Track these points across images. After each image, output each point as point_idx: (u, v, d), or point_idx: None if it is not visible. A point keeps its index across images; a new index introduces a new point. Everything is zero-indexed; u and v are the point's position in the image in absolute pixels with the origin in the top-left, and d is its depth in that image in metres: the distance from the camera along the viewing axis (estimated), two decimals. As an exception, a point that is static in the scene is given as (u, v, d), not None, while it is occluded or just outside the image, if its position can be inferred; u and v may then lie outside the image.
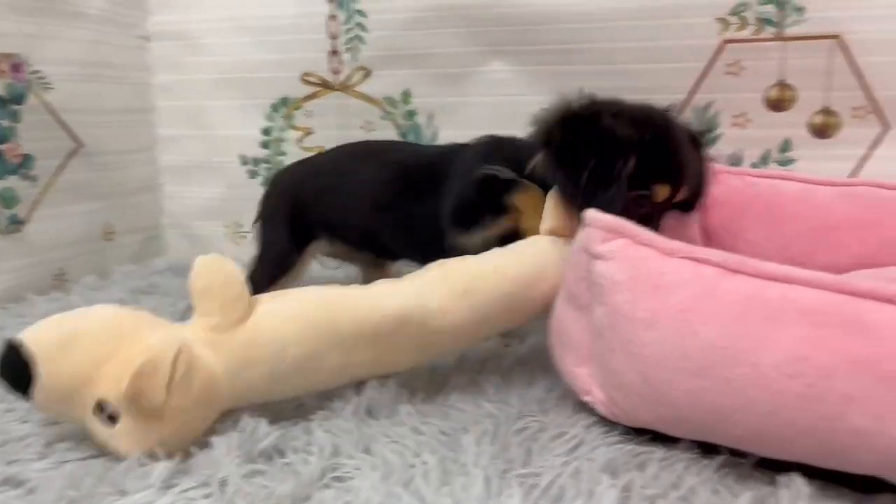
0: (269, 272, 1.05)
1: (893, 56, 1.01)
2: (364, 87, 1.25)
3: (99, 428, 0.59)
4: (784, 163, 1.09)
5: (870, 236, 0.95)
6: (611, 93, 1.10)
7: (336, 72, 1.26)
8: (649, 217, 0.72)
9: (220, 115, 1.34)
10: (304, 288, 0.72)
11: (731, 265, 0.56)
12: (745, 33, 1.06)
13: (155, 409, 0.56)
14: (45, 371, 0.57)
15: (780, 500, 0.52)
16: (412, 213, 0.93)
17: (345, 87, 1.26)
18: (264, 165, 1.34)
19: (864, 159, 1.06)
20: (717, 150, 1.11)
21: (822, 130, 1.07)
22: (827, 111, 1.06)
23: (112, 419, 0.58)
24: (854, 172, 1.07)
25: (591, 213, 0.64)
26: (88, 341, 0.59)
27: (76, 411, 0.59)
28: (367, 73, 1.24)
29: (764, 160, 1.10)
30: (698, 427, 0.57)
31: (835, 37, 1.03)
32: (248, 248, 1.35)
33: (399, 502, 0.54)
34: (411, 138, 1.25)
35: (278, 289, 1.00)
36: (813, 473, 0.54)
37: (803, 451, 0.53)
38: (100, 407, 0.58)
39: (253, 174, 1.35)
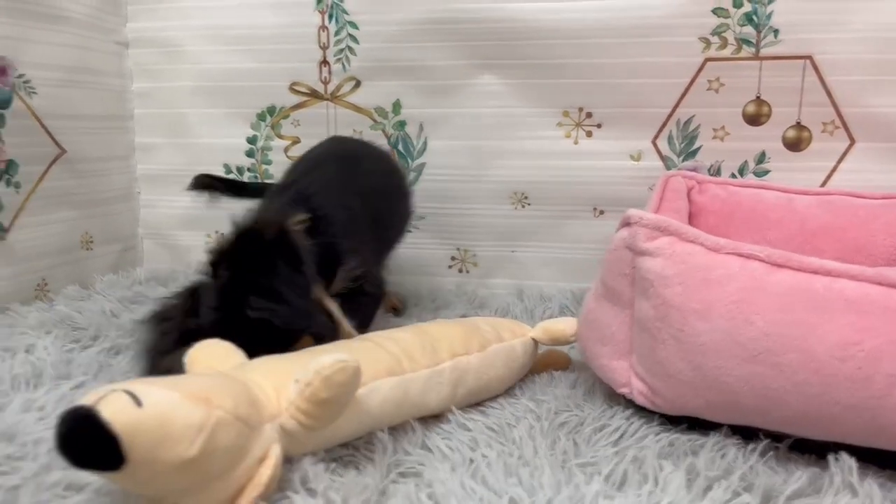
0: None
1: (859, 76, 1.09)
2: (354, 98, 1.26)
3: None
4: (760, 174, 1.16)
5: (845, 241, 1.03)
6: (598, 106, 1.17)
7: (325, 81, 1.27)
8: None
9: (203, 123, 1.32)
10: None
11: (776, 260, 0.60)
12: (726, 52, 1.13)
13: None
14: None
15: (834, 476, 0.56)
16: None
17: (334, 97, 1.27)
18: (249, 174, 1.33)
19: (833, 171, 1.14)
20: (699, 161, 1.18)
21: (795, 144, 1.15)
22: (799, 126, 1.14)
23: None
24: (824, 183, 1.14)
25: (635, 212, 0.67)
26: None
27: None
28: (357, 84, 1.26)
29: (741, 171, 1.17)
30: (749, 411, 0.61)
31: (807, 57, 1.11)
32: None
33: (474, 493, 0.56)
34: (401, 148, 1.26)
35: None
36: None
37: (850, 430, 0.57)
38: None
39: (237, 183, 1.34)
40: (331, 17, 1.23)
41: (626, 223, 0.68)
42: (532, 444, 0.64)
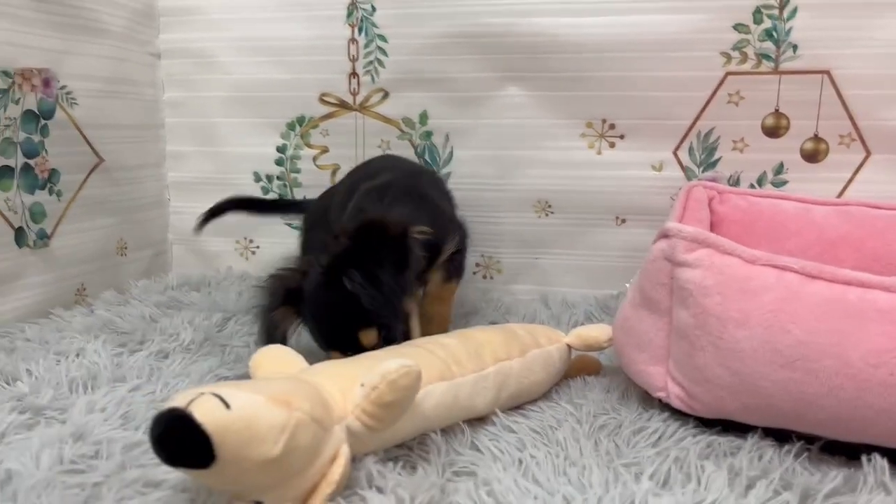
0: None
1: (875, 90, 1.13)
2: (382, 108, 1.30)
3: None
4: (778, 184, 1.20)
5: (864, 250, 1.06)
6: (621, 118, 1.20)
7: (354, 93, 1.30)
8: None
9: (233, 132, 1.36)
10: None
11: (810, 272, 0.64)
12: (746, 67, 1.16)
13: None
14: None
15: (867, 476, 0.60)
16: None
17: (363, 108, 1.30)
18: (278, 182, 1.36)
19: (850, 182, 1.18)
20: (718, 172, 1.21)
21: (813, 156, 1.18)
22: (816, 138, 1.17)
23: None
24: (840, 194, 1.18)
25: (674, 225, 0.71)
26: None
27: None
28: (386, 95, 1.29)
29: (760, 182, 1.21)
30: (785, 414, 0.64)
31: (824, 72, 1.14)
32: (258, 264, 1.38)
33: (528, 492, 0.59)
34: (427, 157, 1.30)
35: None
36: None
37: (881, 432, 0.61)
38: None
39: (266, 191, 1.37)
40: (360, 30, 1.27)
41: (665, 235, 0.71)
42: (577, 446, 0.68)
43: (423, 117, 1.29)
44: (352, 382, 0.60)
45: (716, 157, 1.21)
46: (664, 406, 0.76)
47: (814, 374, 0.61)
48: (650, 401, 0.78)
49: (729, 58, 1.17)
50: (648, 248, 0.86)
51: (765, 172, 1.21)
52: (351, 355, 0.73)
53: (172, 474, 0.60)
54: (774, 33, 1.15)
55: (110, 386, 0.81)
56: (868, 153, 1.16)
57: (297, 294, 0.79)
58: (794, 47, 1.15)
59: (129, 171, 1.28)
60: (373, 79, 1.29)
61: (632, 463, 0.65)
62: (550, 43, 1.21)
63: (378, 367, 0.58)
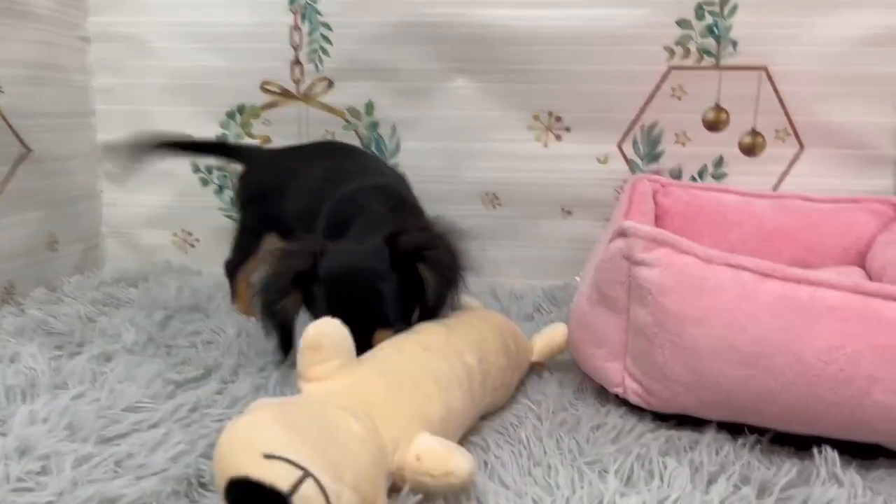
0: (241, 257, 1.11)
1: (809, 86, 1.17)
2: (326, 98, 1.27)
3: None
4: (718, 177, 1.23)
5: (799, 241, 1.10)
6: (568, 111, 1.21)
7: (297, 81, 1.27)
8: None
9: (169, 120, 1.30)
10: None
11: (764, 270, 0.66)
12: (689, 62, 1.19)
13: None
14: None
15: (819, 468, 0.62)
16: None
17: (306, 97, 1.27)
18: (218, 173, 1.32)
19: (785, 175, 1.22)
20: (661, 165, 1.24)
21: (750, 149, 1.22)
22: (754, 132, 1.21)
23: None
24: (776, 187, 1.22)
25: (631, 224, 0.71)
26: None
27: None
28: (330, 84, 1.26)
29: (701, 175, 1.24)
30: (741, 409, 0.66)
31: (762, 68, 1.18)
32: (198, 257, 1.34)
33: (499, 495, 0.59)
34: (374, 149, 1.28)
35: (248, 272, 1.08)
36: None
37: (832, 425, 0.64)
38: None
39: (205, 182, 1.33)
40: (304, 17, 1.24)
41: (622, 234, 0.72)
42: (540, 444, 0.68)
43: (370, 108, 1.27)
44: (409, 423, 0.59)
45: (659, 149, 1.24)
46: (620, 400, 0.77)
47: (769, 370, 0.63)
48: (605, 395, 0.80)
49: (672, 53, 1.19)
50: (598, 244, 0.87)
51: (706, 165, 1.24)
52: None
53: (130, 489, 0.58)
54: (715, 29, 1.17)
55: (51, 394, 0.77)
56: (802, 147, 1.21)
57: (306, 278, 0.75)
58: (734, 44, 1.17)
59: (58, 161, 1.21)
60: (317, 67, 1.26)
61: (595, 461, 0.66)
62: (498, 34, 1.20)
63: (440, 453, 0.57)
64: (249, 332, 1.01)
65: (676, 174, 1.24)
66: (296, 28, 1.24)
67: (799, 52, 1.16)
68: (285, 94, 1.28)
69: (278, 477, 0.46)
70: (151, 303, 1.11)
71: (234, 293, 1.12)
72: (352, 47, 1.24)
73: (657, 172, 1.22)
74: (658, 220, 1.15)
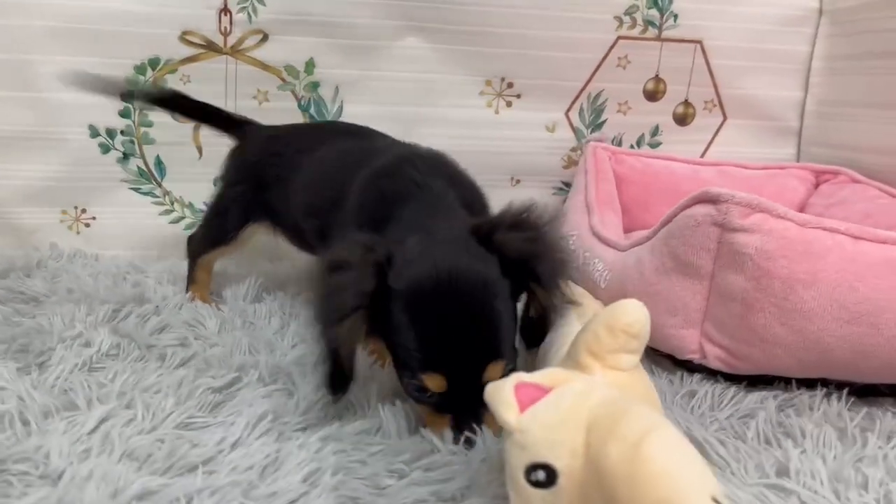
0: (209, 242, 0.96)
1: (736, 60, 1.25)
2: (259, 53, 1.12)
3: None
4: (654, 145, 1.28)
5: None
6: (519, 77, 1.18)
7: (225, 33, 1.10)
8: None
9: (57, 74, 1.06)
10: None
11: (854, 233, 0.69)
12: (635, 32, 1.21)
13: None
14: None
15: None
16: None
17: (235, 52, 1.11)
18: (122, 137, 1.11)
19: (710, 144, 1.30)
20: (604, 133, 1.26)
21: (682, 119, 1.28)
22: (687, 103, 1.27)
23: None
24: (702, 155, 1.30)
25: (724, 191, 0.71)
26: None
27: None
28: (265, 37, 1.11)
29: (639, 143, 1.28)
30: (841, 365, 0.70)
31: (698, 41, 1.24)
32: (94, 239, 1.14)
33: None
34: (312, 111, 1.15)
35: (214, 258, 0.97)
36: None
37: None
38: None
39: (106, 148, 1.11)
40: (236, -43, 1.07)
41: (711, 200, 0.72)
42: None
43: (310, 66, 1.14)
44: None
45: (602, 118, 1.25)
46: (689, 367, 0.78)
47: (875, 327, 0.67)
48: (663, 364, 0.80)
49: (621, 22, 1.20)
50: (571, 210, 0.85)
51: (643, 134, 1.28)
52: (451, 386, 0.57)
53: None
54: (660, 2, 1.21)
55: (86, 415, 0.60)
56: (725, 118, 1.30)
57: (375, 295, 0.58)
58: (675, 16, 1.22)
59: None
60: (249, 18, 1.10)
61: (720, 428, 0.65)
62: (455, -7, 1.14)
63: None
64: (226, 319, 0.88)
65: (618, 142, 1.27)
66: (227, -30, 1.07)
67: (731, 28, 1.23)
68: (210, 46, 1.10)
69: None
70: (81, 296, 0.91)
71: (192, 279, 0.95)
72: (293, -4, 1.10)
73: (600, 140, 1.24)
74: (618, 187, 1.17)
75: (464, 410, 0.58)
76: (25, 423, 0.59)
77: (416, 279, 0.57)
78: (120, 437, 0.57)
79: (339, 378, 0.60)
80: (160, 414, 0.61)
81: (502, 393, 0.47)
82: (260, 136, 0.96)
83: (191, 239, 0.98)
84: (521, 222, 0.64)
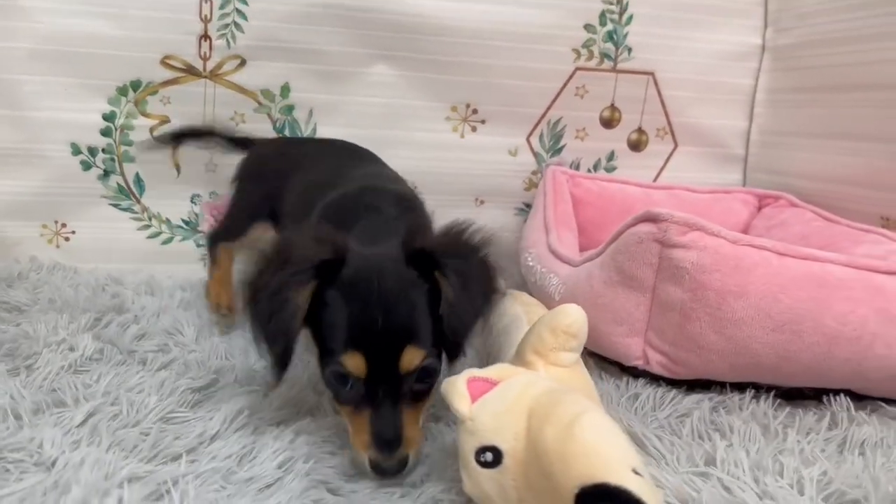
0: (226, 234, 1.06)
1: (685, 92, 1.34)
2: (237, 77, 1.18)
3: None
4: (609, 170, 1.36)
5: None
6: (483, 104, 1.26)
7: (205, 58, 1.16)
8: None
9: (44, 93, 1.11)
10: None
11: (779, 249, 0.77)
12: (592, 64, 1.29)
13: None
14: None
15: (838, 413, 0.75)
16: None
17: (214, 76, 1.17)
18: (104, 155, 1.16)
19: (662, 169, 1.39)
20: (562, 158, 1.34)
21: (636, 146, 1.37)
22: (640, 130, 1.36)
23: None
24: (655, 179, 1.38)
25: (662, 210, 0.79)
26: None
27: None
28: (242, 63, 1.17)
29: (595, 167, 1.36)
30: (766, 369, 0.77)
31: (650, 73, 1.32)
32: (73, 254, 1.18)
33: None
34: (287, 133, 1.21)
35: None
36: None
37: (837, 378, 0.77)
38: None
39: (87, 165, 1.15)
40: (216, -13, 1.13)
41: (653, 219, 0.79)
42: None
43: (285, 90, 1.20)
44: None
45: (562, 144, 1.33)
46: (633, 373, 0.85)
47: (797, 334, 0.74)
48: (610, 370, 0.87)
49: (579, 54, 1.29)
50: (529, 229, 0.94)
51: (599, 159, 1.36)
52: (371, 372, 0.60)
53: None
54: (615, 36, 1.29)
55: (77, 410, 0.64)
56: (676, 145, 1.38)
57: (330, 270, 0.62)
58: (630, 50, 1.31)
59: None
60: (228, 44, 1.16)
61: (659, 426, 0.72)
62: (420, 24, 1.21)
63: None
64: (203, 326, 0.93)
65: (575, 166, 1.35)
66: (206, -1, 1.13)
67: (681, 62, 1.33)
68: (190, 70, 1.16)
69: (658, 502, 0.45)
70: (63, 306, 0.96)
71: (215, 261, 1.05)
72: (269, 24, 1.16)
73: (559, 164, 1.32)
74: (575, 208, 1.25)
75: (382, 405, 0.60)
76: (18, 417, 0.63)
77: (347, 275, 0.63)
78: (107, 429, 0.62)
79: (282, 360, 0.63)
80: (144, 410, 0.66)
81: (456, 385, 0.53)
82: (271, 141, 1.14)
83: (211, 235, 1.09)
84: (452, 236, 0.70)
